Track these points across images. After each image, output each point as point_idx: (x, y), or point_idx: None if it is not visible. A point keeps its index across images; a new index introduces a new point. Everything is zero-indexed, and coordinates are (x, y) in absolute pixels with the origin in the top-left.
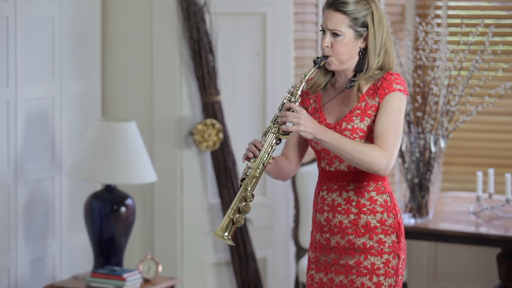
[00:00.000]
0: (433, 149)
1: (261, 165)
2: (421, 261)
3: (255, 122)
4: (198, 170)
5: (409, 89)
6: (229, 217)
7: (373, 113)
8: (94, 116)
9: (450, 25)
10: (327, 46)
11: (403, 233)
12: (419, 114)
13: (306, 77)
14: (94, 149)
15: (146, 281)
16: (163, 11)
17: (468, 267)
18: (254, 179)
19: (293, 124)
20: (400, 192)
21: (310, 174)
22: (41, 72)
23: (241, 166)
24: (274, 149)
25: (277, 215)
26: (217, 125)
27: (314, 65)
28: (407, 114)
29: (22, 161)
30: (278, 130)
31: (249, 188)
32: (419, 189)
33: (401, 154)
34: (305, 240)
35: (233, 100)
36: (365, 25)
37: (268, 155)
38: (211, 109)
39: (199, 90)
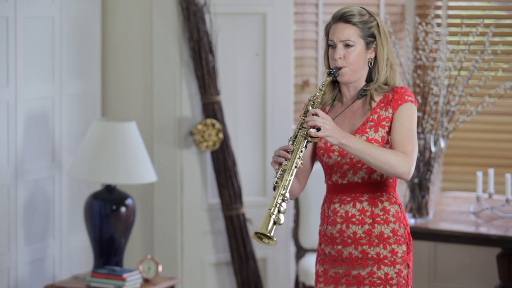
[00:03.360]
0: (433, 149)
1: (294, 167)
2: (421, 261)
3: (255, 122)
4: (198, 170)
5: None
6: (270, 214)
7: (387, 124)
8: (94, 116)
9: (450, 25)
10: (340, 58)
11: (412, 244)
12: (419, 114)
13: (324, 86)
14: (94, 149)
15: (146, 281)
16: (163, 11)
17: (468, 267)
18: (288, 181)
19: (319, 129)
20: (400, 192)
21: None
22: (41, 72)
23: (241, 166)
24: (303, 152)
25: None
26: (217, 125)
27: (329, 75)
28: None
29: (22, 161)
30: (307, 134)
31: (286, 187)
32: (419, 189)
33: None
34: (305, 240)
35: (233, 100)
36: (373, 36)
37: (299, 158)
38: (211, 109)
39: (199, 90)
